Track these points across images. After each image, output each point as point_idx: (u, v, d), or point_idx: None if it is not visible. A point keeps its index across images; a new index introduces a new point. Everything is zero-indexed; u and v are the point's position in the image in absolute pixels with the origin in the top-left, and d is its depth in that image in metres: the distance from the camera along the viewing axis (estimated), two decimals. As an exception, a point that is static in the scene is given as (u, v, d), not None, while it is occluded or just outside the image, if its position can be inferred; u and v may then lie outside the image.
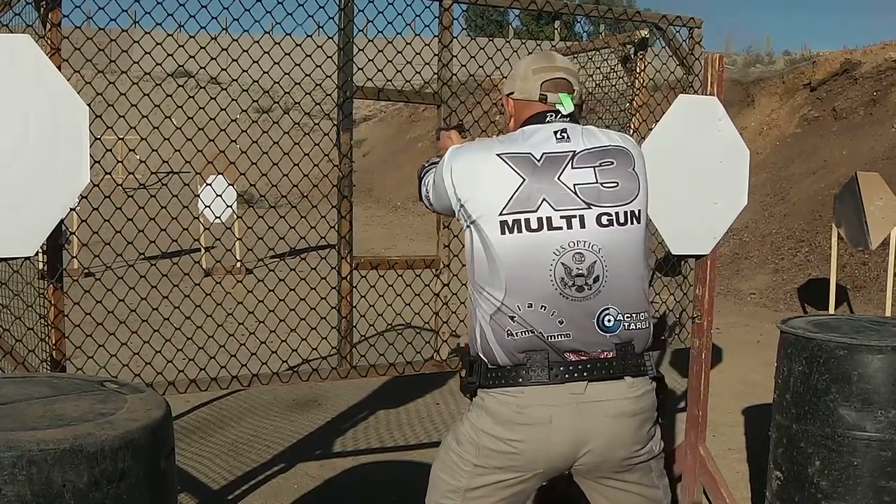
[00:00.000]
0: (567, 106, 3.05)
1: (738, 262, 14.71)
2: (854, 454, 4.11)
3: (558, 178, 2.90)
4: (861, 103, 16.95)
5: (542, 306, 2.85)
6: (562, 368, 2.85)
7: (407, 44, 4.39)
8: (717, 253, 5.12)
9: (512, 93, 3.15)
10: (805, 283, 13.24)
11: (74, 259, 4.08)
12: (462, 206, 2.95)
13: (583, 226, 2.88)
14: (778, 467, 4.46)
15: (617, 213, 2.93)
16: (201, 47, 3.97)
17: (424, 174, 3.32)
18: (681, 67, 5.29)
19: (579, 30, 39.77)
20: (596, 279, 2.88)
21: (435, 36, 4.52)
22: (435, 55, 4.50)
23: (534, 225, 2.85)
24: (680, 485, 5.25)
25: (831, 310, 10.50)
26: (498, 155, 2.92)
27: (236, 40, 4.05)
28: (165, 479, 2.52)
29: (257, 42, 4.06)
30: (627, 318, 2.92)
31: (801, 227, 14.62)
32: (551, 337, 2.85)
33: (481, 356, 2.94)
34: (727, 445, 6.54)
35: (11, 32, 3.71)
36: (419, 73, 4.54)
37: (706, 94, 5.01)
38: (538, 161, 2.91)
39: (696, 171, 4.83)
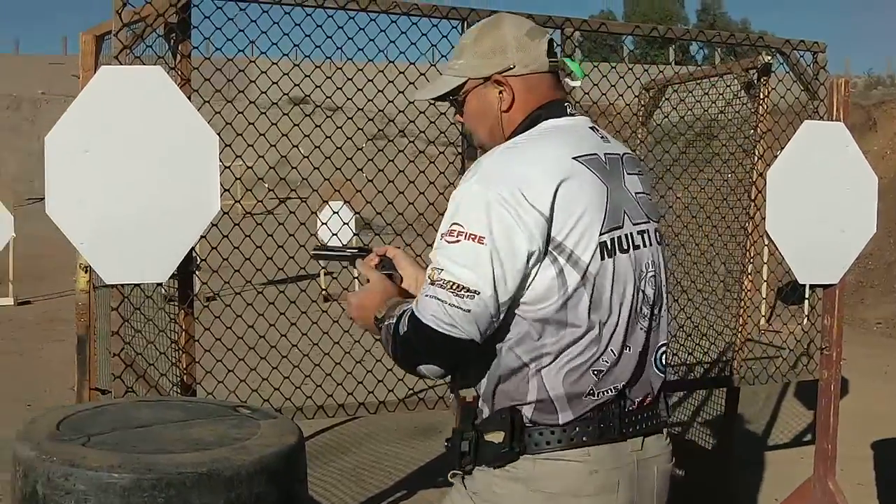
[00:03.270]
0: (579, 73, 2.52)
1: (862, 290, 14.36)
2: None
3: (624, 185, 2.39)
4: None
5: (628, 346, 2.34)
6: (626, 420, 2.36)
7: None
8: (843, 281, 4.99)
9: (509, 69, 2.42)
10: (933, 313, 12.87)
11: (205, 285, 4.15)
12: (553, 240, 2.22)
13: (649, 242, 2.41)
14: (912, 501, 4.33)
15: (657, 230, 2.50)
16: (327, 77, 4.03)
17: (414, 320, 2.25)
18: (805, 92, 5.19)
19: (694, 54, 39.31)
20: (660, 308, 2.44)
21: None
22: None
23: (625, 244, 2.32)
24: (809, 520, 5.13)
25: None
26: (575, 159, 2.28)
27: (361, 70, 4.10)
28: (298, 505, 2.55)
29: (381, 72, 4.10)
30: (669, 353, 2.55)
31: (929, 254, 14.23)
32: (624, 381, 2.34)
33: (528, 413, 2.31)
34: (856, 480, 6.35)
35: (144, 64, 3.81)
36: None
37: (832, 120, 4.91)
38: (606, 164, 2.35)
39: (823, 198, 4.73)
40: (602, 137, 2.43)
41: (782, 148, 4.73)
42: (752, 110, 5.16)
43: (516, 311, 2.26)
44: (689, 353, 5.56)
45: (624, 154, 2.46)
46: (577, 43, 4.42)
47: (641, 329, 2.37)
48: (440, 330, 2.19)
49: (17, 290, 13.62)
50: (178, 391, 3.90)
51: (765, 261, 8.97)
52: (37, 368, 9.39)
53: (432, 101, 2.66)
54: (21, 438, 2.45)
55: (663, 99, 5.54)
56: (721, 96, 5.41)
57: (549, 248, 2.21)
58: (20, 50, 40.08)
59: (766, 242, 5.18)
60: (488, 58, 2.43)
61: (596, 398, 2.29)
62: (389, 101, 4.18)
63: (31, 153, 33.17)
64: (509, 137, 2.41)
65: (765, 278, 8.70)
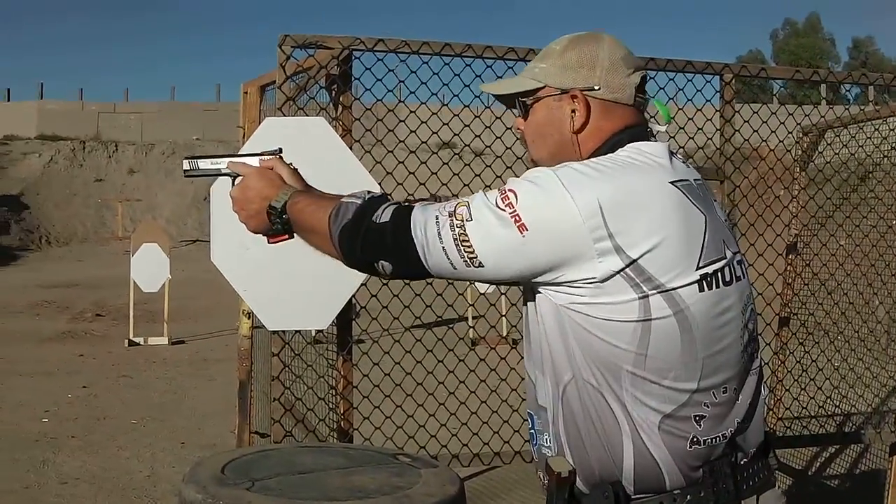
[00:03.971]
0: (665, 117, 2.27)
1: None
2: None
3: (717, 212, 2.15)
4: None
5: (735, 389, 2.08)
6: (739, 477, 2.10)
7: (689, 119, 4.33)
8: None
9: (592, 88, 2.15)
10: None
11: (364, 332, 4.20)
12: (631, 263, 1.95)
13: (745, 273, 2.16)
14: None
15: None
16: (486, 126, 4.04)
17: (399, 217, 2.09)
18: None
19: (846, 92, 38.40)
20: (757, 344, 2.20)
21: (717, 110, 4.43)
22: (717, 130, 4.40)
23: (726, 276, 2.06)
24: None
25: None
26: (673, 183, 2.04)
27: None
28: (458, 556, 2.54)
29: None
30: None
31: None
32: (738, 433, 2.09)
33: (630, 482, 2.04)
34: None
35: (306, 115, 3.89)
36: (702, 148, 4.47)
37: None
38: (698, 190, 2.11)
39: None
40: (683, 162, 2.19)
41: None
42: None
43: (594, 351, 2.02)
44: (851, 404, 5.38)
45: (704, 179, 2.20)
46: (735, 90, 4.34)
47: (748, 369, 2.13)
48: (419, 254, 2.05)
49: (170, 330, 13.99)
50: (336, 436, 3.94)
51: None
52: (190, 407, 9.59)
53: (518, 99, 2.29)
54: (187, 481, 2.51)
55: (825, 144, 5.40)
56: (885, 140, 5.25)
57: (634, 278, 1.95)
58: (176, 96, 41.30)
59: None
60: (573, 70, 2.17)
61: (701, 447, 2.02)
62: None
63: (184, 196, 34.26)
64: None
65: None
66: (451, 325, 4.76)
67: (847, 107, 5.35)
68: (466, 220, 2.00)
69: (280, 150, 2.51)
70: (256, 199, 2.36)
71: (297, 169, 2.49)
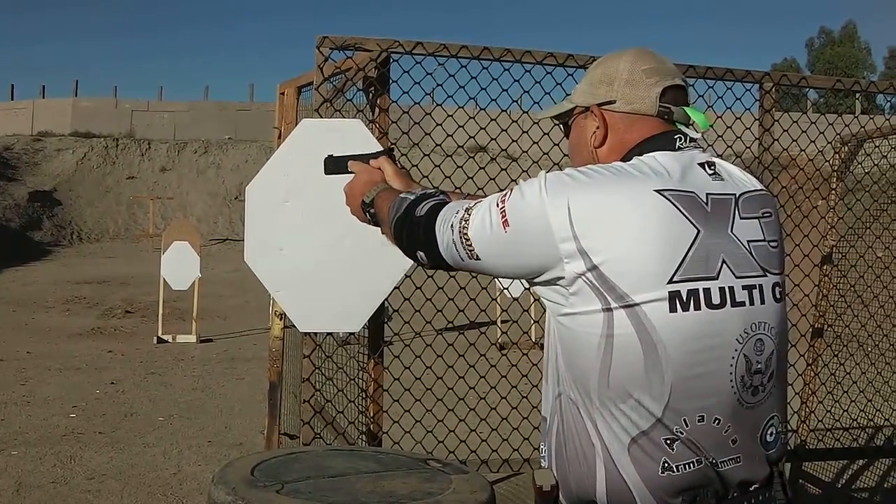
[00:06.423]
0: (702, 125, 2.16)
1: None
2: None
3: (731, 232, 2.04)
4: None
5: (716, 419, 1.98)
6: None
7: (728, 127, 4.29)
8: None
9: (610, 102, 2.17)
10: None
11: (396, 335, 4.19)
12: (594, 268, 1.93)
13: (762, 300, 2.06)
14: None
15: (777, 284, 2.12)
16: (523, 132, 4.03)
17: (432, 211, 2.22)
18: None
19: (881, 101, 38.18)
20: (771, 376, 2.07)
21: (756, 119, 4.40)
22: (756, 139, 4.37)
23: (715, 299, 1.97)
24: None
25: None
26: (658, 191, 1.97)
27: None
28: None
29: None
30: (782, 428, 2.13)
31: None
32: (722, 465, 2.00)
33: None
34: None
35: (342, 116, 3.88)
36: (739, 156, 4.42)
37: None
38: (706, 205, 2.02)
39: None
40: (714, 174, 2.10)
41: None
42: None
43: (571, 365, 2.03)
44: (884, 417, 5.33)
45: (743, 194, 2.12)
46: (775, 99, 4.30)
47: (743, 401, 2.02)
48: (438, 244, 2.17)
49: (199, 328, 14.04)
50: (365, 439, 3.93)
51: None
52: (217, 406, 9.62)
53: (556, 123, 2.42)
54: (216, 482, 2.50)
55: (863, 154, 5.34)
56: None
57: (585, 282, 1.94)
58: (209, 96, 41.43)
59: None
60: (595, 87, 2.21)
61: (675, 473, 1.95)
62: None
63: (215, 195, 34.45)
64: None
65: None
66: (482, 330, 4.73)
67: (888, 117, 5.31)
68: (469, 219, 2.11)
69: (391, 150, 2.78)
70: (358, 195, 2.57)
71: (403, 167, 2.70)
